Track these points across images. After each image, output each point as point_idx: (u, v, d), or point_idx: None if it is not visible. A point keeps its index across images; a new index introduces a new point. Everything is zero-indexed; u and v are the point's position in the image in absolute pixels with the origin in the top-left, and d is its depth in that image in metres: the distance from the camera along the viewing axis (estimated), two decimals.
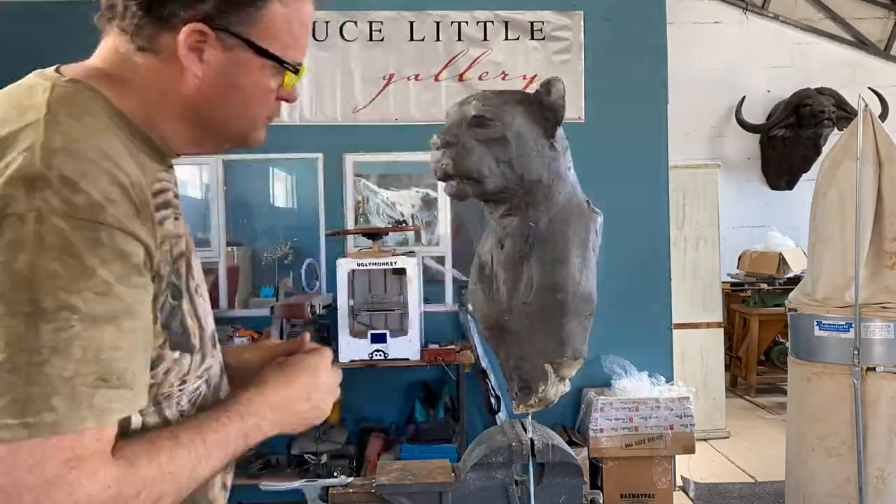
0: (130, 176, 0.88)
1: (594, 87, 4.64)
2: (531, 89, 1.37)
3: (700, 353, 5.76)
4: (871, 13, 7.97)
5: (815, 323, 3.59)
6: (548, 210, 1.39)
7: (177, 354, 0.95)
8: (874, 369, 3.44)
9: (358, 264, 4.11)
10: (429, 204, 4.97)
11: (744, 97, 7.67)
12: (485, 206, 1.65)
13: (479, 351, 4.36)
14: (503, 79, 4.60)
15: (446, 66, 4.65)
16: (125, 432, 0.87)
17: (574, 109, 4.58)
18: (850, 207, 3.50)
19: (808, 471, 3.61)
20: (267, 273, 4.96)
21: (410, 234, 4.82)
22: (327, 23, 4.63)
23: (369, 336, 4.07)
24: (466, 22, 4.66)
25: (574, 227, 1.43)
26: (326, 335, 4.28)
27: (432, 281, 4.68)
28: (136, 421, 0.90)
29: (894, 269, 3.49)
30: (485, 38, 4.67)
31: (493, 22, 4.67)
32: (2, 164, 0.83)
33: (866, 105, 3.61)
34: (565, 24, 4.67)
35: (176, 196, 0.99)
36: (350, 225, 4.63)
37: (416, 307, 4.11)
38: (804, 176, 7.68)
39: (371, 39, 4.65)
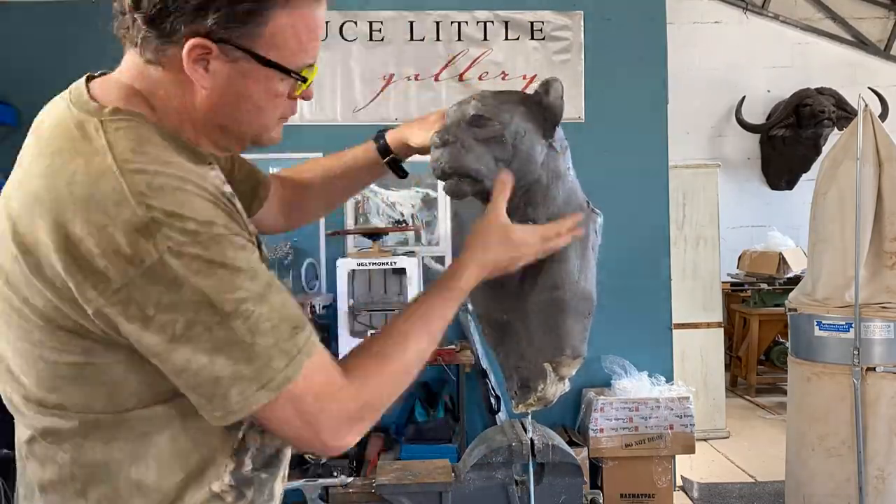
0: (209, 187, 0.96)
1: (594, 87, 4.64)
2: (531, 89, 1.37)
3: (700, 353, 5.76)
4: (871, 13, 7.96)
5: (815, 323, 3.59)
6: (546, 209, 1.39)
7: None
8: (874, 369, 3.44)
9: (358, 264, 4.11)
10: (429, 204, 4.97)
11: (744, 97, 7.66)
12: (484, 206, 1.65)
13: (479, 351, 4.36)
14: (503, 79, 4.60)
15: (446, 66, 4.65)
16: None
17: (574, 109, 4.59)
18: (850, 207, 3.50)
19: (808, 471, 3.61)
20: None
21: (410, 234, 4.82)
22: (327, 23, 4.61)
23: (369, 336, 4.07)
24: (466, 22, 4.66)
25: None
26: (326, 335, 4.27)
27: (432, 281, 4.67)
28: None
29: (894, 269, 3.49)
30: (485, 38, 4.67)
31: (493, 22, 4.67)
32: (103, 220, 0.89)
33: (866, 105, 3.61)
34: (565, 24, 4.67)
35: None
36: (350, 225, 4.63)
37: None
38: (804, 176, 7.68)
39: (371, 39, 4.65)
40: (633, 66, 4.65)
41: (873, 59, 7.91)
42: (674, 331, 4.78)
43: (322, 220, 4.61)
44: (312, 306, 4.00)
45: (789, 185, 7.88)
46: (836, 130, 7.33)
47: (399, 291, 4.27)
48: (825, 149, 6.47)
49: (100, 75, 1.05)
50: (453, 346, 4.19)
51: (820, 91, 7.51)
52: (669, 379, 4.49)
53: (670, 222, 4.81)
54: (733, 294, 7.41)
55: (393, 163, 1.52)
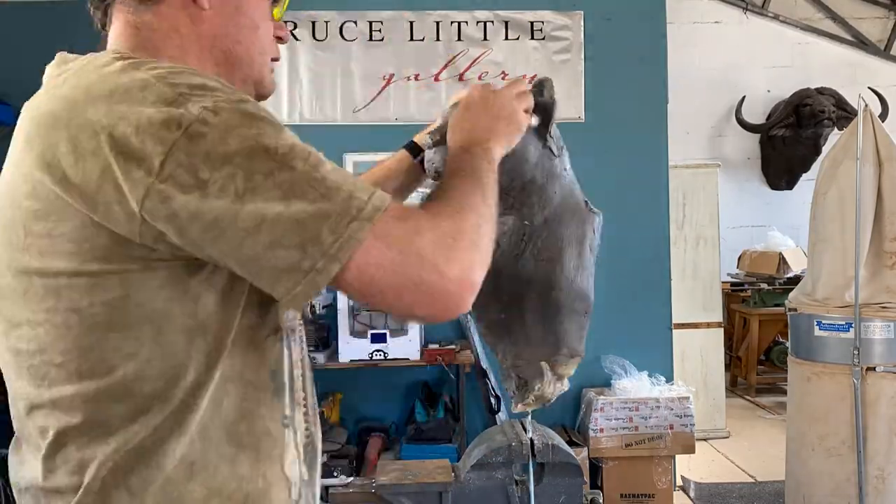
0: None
1: (594, 87, 4.64)
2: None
3: (700, 353, 5.76)
4: (871, 13, 7.96)
5: (815, 323, 3.59)
6: (542, 209, 1.39)
7: None
8: (874, 369, 3.44)
9: None
10: None
11: (744, 97, 7.67)
12: None
13: (479, 350, 4.36)
14: (503, 79, 4.59)
15: (446, 66, 4.65)
16: None
17: (574, 109, 4.59)
18: (850, 207, 3.50)
19: (808, 471, 3.61)
20: None
21: None
22: (327, 23, 4.63)
23: (369, 336, 4.07)
24: (466, 22, 4.66)
25: (569, 226, 1.43)
26: (326, 335, 4.28)
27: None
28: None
29: (894, 269, 3.49)
30: (485, 38, 4.67)
31: (493, 22, 4.67)
32: (129, 104, 0.86)
33: (866, 105, 3.61)
34: (565, 24, 4.67)
35: None
36: None
37: None
38: (804, 176, 7.68)
39: (371, 39, 4.65)
40: (633, 66, 4.65)
41: (873, 59, 7.91)
42: (674, 331, 4.78)
43: None
44: (312, 306, 4.00)
45: (789, 185, 7.88)
46: (836, 130, 7.33)
47: None
48: (825, 149, 6.47)
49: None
50: (453, 346, 4.19)
51: (820, 91, 7.51)
52: (669, 379, 4.49)
53: (670, 222, 4.81)
54: (733, 294, 7.41)
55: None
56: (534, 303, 1.42)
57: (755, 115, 7.72)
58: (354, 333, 4.10)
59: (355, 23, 4.64)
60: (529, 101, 1.27)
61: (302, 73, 4.61)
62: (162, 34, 1.00)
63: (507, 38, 4.67)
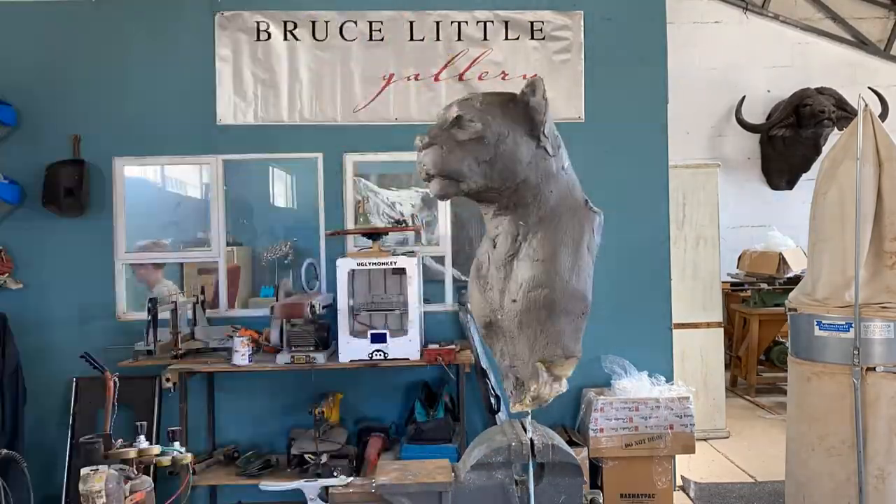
0: None
1: (594, 87, 4.64)
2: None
3: (700, 353, 5.76)
4: (871, 13, 7.97)
5: (815, 323, 3.59)
6: (537, 209, 1.40)
7: None
8: (874, 369, 3.44)
9: (358, 264, 4.11)
10: (429, 204, 4.98)
11: (744, 97, 7.67)
12: (479, 206, 1.65)
13: (479, 350, 4.36)
14: (503, 78, 4.60)
15: (446, 65, 4.65)
16: None
17: (574, 109, 4.59)
18: (850, 207, 3.50)
19: (808, 471, 3.61)
20: (267, 273, 4.96)
21: (410, 234, 4.82)
22: (327, 23, 4.63)
23: (369, 336, 4.07)
24: (466, 22, 4.66)
25: (565, 227, 1.43)
26: (326, 335, 4.28)
27: (432, 281, 4.67)
28: None
29: (894, 269, 3.49)
30: (485, 38, 4.67)
31: (493, 22, 4.67)
32: None
33: (866, 105, 3.61)
34: (565, 24, 4.67)
35: None
36: (350, 225, 4.63)
37: (415, 307, 4.11)
38: (804, 176, 7.69)
39: (371, 39, 4.65)
40: (633, 66, 4.65)
41: (873, 59, 7.91)
42: (674, 331, 4.78)
43: (322, 220, 4.61)
44: (312, 306, 4.00)
45: (789, 184, 7.88)
46: (836, 130, 7.35)
47: (399, 291, 4.27)
48: (825, 149, 6.48)
49: None
50: (453, 346, 4.19)
51: (820, 91, 7.52)
52: (669, 379, 4.49)
53: (670, 222, 4.81)
54: (733, 294, 7.42)
55: None
56: (527, 303, 1.42)
57: (755, 115, 7.72)
58: (354, 333, 4.10)
59: (355, 23, 4.64)
60: None
61: (302, 73, 4.61)
62: None
63: (507, 38, 4.67)
